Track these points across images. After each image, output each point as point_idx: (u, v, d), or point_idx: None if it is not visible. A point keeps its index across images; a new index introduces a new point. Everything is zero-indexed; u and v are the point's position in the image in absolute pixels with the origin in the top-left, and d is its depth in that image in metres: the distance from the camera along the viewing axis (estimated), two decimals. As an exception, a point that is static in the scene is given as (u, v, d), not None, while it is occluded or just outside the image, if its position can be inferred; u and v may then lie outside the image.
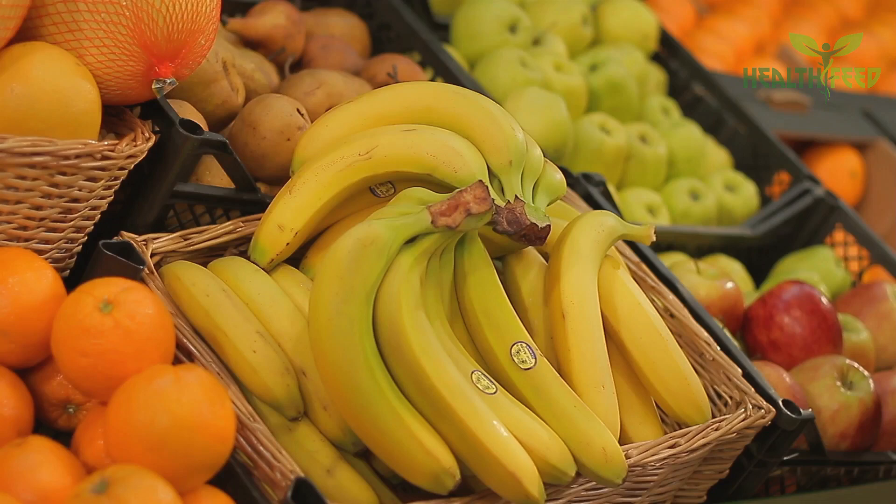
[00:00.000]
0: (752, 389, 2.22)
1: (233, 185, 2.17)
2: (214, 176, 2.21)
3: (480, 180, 1.92)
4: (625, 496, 2.08)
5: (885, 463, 2.57)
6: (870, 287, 2.84)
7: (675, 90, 3.34)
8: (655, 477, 2.09)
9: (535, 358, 1.97)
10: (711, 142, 3.25)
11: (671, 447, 2.08)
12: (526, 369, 1.96)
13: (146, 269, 1.96)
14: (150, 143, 2.03)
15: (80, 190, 1.97)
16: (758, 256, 3.07)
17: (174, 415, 1.75)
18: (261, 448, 1.84)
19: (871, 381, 2.51)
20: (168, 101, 2.10)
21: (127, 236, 2.00)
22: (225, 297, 1.96)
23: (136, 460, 1.75)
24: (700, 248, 2.97)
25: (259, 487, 1.85)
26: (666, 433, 2.13)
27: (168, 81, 2.01)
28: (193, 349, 1.92)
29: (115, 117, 2.07)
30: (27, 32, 1.96)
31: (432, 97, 2.10)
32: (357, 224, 1.90)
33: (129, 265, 1.94)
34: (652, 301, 2.20)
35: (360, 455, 1.97)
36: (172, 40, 1.99)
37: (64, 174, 1.94)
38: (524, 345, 1.97)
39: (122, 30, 1.96)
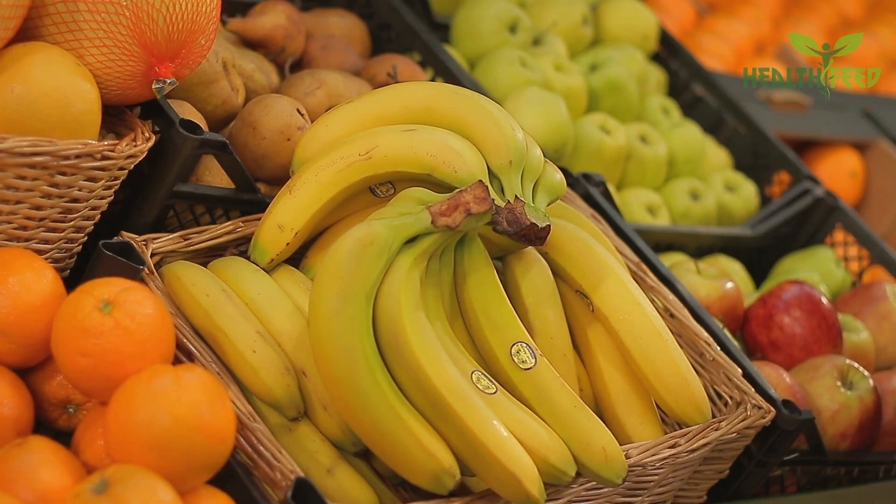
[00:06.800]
0: (752, 389, 2.22)
1: (233, 185, 2.17)
2: (214, 176, 2.20)
3: (480, 180, 1.92)
4: (625, 496, 2.08)
5: (885, 463, 2.57)
6: (870, 287, 2.84)
7: (675, 90, 3.34)
8: (655, 477, 2.09)
9: (535, 358, 1.97)
10: (711, 142, 3.25)
11: (671, 447, 2.08)
12: (526, 369, 1.96)
13: (146, 269, 1.96)
14: (150, 143, 2.03)
15: (80, 190, 1.97)
16: (758, 256, 3.07)
17: (174, 415, 1.75)
18: (261, 448, 1.84)
19: (871, 381, 2.51)
20: (168, 101, 2.10)
21: (127, 236, 2.00)
22: (225, 297, 1.96)
23: (136, 460, 1.75)
24: (700, 248, 2.97)
25: (259, 487, 1.85)
26: (666, 433, 2.13)
27: (168, 81, 2.01)
28: (193, 349, 1.92)
29: (115, 117, 2.07)
30: (27, 32, 1.96)
31: (432, 97, 2.10)
32: (357, 224, 1.90)
33: (129, 265, 1.94)
34: (652, 301, 2.20)
35: (360, 455, 1.97)
36: (172, 40, 1.99)
37: (64, 174, 1.94)
38: (524, 345, 1.97)
39: (122, 30, 1.96)
